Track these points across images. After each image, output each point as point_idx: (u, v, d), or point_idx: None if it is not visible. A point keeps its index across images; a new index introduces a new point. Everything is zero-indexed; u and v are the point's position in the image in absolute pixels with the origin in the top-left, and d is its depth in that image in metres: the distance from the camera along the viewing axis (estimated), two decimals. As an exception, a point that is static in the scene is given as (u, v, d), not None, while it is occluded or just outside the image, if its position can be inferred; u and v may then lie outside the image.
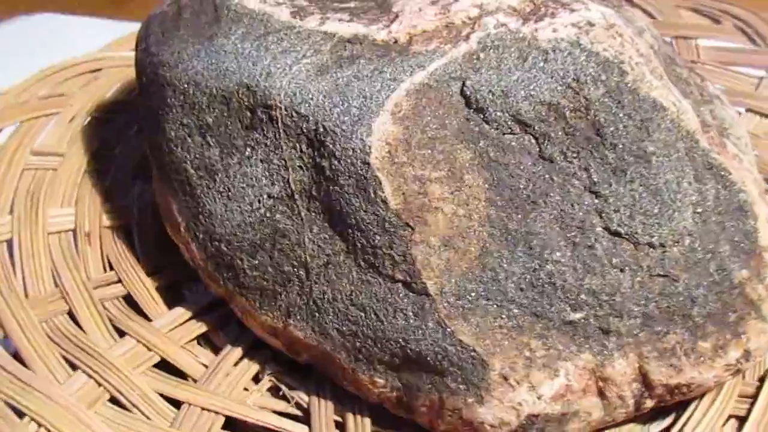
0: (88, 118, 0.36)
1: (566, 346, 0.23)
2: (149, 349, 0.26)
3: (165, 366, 0.27)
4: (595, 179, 0.24)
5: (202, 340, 0.29)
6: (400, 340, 0.24)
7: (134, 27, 0.32)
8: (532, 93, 0.25)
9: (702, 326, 0.23)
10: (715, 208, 0.24)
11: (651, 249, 0.24)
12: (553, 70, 0.25)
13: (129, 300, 0.29)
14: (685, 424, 0.23)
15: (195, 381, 0.26)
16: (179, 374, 0.26)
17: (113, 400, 0.24)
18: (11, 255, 0.29)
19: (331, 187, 0.25)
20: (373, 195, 0.25)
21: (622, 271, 0.23)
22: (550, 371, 0.23)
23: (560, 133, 0.25)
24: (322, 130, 0.26)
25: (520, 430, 0.23)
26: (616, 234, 0.24)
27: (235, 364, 0.27)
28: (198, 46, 0.29)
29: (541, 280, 0.23)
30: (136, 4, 0.52)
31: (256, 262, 0.27)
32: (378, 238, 0.24)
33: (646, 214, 0.24)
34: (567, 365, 0.23)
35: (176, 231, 0.29)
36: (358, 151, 0.25)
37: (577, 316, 0.23)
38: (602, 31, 0.26)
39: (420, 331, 0.24)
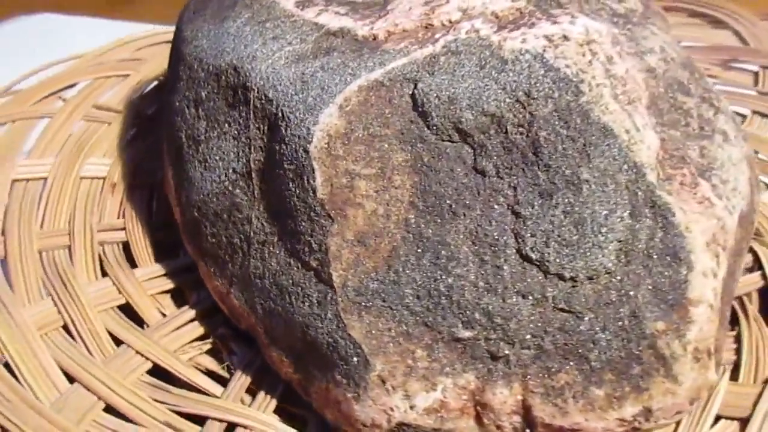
0: (154, 83, 0.40)
1: (451, 363, 0.24)
2: (119, 292, 0.30)
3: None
4: (520, 199, 0.24)
5: (179, 297, 0.32)
6: (303, 325, 0.26)
7: (134, 27, 0.36)
8: (478, 102, 0.25)
9: (598, 372, 0.23)
10: (646, 249, 0.23)
11: (560, 281, 0.23)
12: (506, 82, 0.25)
13: (128, 248, 0.33)
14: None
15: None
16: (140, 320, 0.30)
17: (65, 328, 0.28)
18: (41, 193, 0.34)
19: (276, 170, 0.28)
20: (305, 183, 0.26)
21: (524, 297, 0.23)
22: (427, 383, 0.23)
23: (498, 147, 0.25)
24: (280, 115, 0.28)
25: None
26: (527, 259, 0.24)
27: (192, 321, 0.30)
28: (211, 26, 0.32)
29: (438, 292, 0.24)
30: (136, 4, 0.55)
31: (215, 230, 0.29)
32: (303, 224, 0.26)
33: (562, 244, 0.23)
34: (447, 381, 0.23)
35: (169, 195, 0.33)
36: (302, 139, 0.27)
37: (467, 334, 0.23)
38: (574, 47, 0.26)
39: (318, 320, 0.25)
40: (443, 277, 0.26)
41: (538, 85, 0.27)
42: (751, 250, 0.35)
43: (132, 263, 0.36)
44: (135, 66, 0.44)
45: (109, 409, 0.29)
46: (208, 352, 0.32)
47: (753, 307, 0.33)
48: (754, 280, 0.34)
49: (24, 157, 0.39)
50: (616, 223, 0.26)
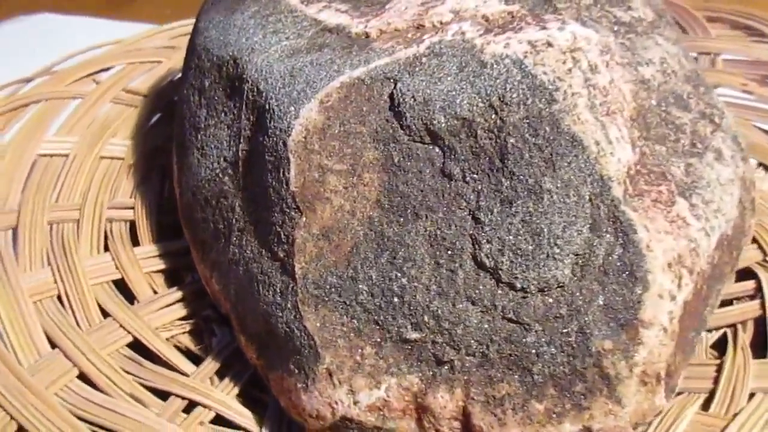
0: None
1: (397, 363, 0.24)
2: (116, 267, 0.31)
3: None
4: (481, 205, 0.24)
5: (175, 277, 0.33)
6: (266, 313, 0.26)
7: (134, 27, 0.36)
8: (451, 105, 0.25)
9: (540, 386, 0.22)
10: (603, 265, 0.23)
11: (511, 290, 0.23)
12: (481, 86, 0.25)
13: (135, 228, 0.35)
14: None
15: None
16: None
17: (58, 297, 0.29)
18: (61, 169, 0.35)
19: (259, 161, 0.28)
20: (281, 175, 0.27)
21: (474, 304, 0.23)
22: (372, 381, 0.24)
23: (467, 151, 0.25)
24: (267, 107, 0.29)
25: (334, 429, 0.24)
26: (481, 266, 0.23)
27: (181, 301, 0.31)
28: (221, 17, 0.33)
29: (392, 291, 0.24)
30: (136, 4, 0.54)
31: (204, 215, 0.30)
32: (276, 215, 0.27)
33: (516, 253, 0.23)
34: (391, 381, 0.24)
35: (173, 180, 0.34)
36: (283, 132, 0.27)
37: (415, 336, 0.23)
38: (555, 54, 0.25)
39: (279, 309, 0.26)
40: (398, 277, 0.26)
41: (512, 90, 0.27)
42: (755, 277, 0.33)
43: (136, 242, 0.37)
44: (168, 53, 0.46)
45: (84, 377, 0.30)
46: (191, 333, 0.33)
47: (745, 336, 0.31)
48: (753, 308, 0.32)
49: (53, 134, 0.41)
50: (573, 236, 0.25)
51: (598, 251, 0.24)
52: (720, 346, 0.31)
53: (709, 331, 0.32)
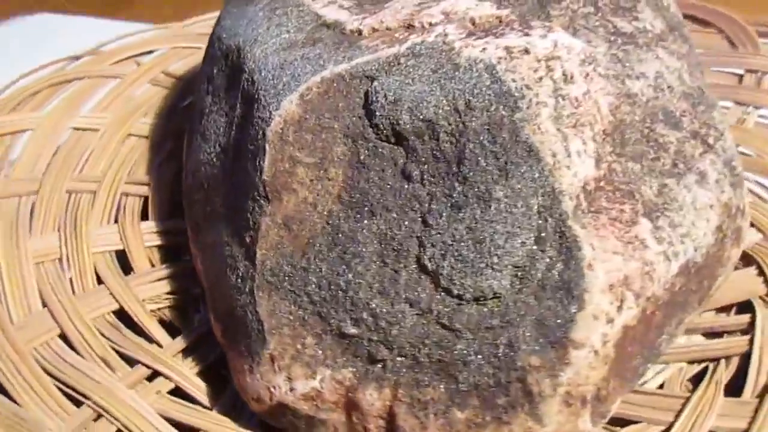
0: (222, 58, 0.43)
1: (334, 356, 0.24)
2: (120, 239, 0.33)
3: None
4: (432, 208, 0.24)
5: (175, 253, 0.35)
6: (229, 296, 0.27)
7: (134, 27, 0.37)
8: (418, 107, 0.25)
9: (464, 394, 0.22)
10: (543, 280, 0.22)
11: (447, 296, 0.23)
12: (450, 89, 0.25)
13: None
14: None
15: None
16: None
17: (60, 261, 0.31)
18: (90, 144, 0.38)
19: (244, 149, 0.29)
20: (257, 163, 0.28)
21: (411, 306, 0.23)
22: (309, 371, 0.24)
23: (428, 154, 0.25)
24: (256, 97, 0.29)
25: (273, 413, 0.25)
26: (423, 269, 0.23)
27: (174, 275, 0.32)
28: (237, 8, 0.34)
29: (337, 285, 0.25)
30: (136, 4, 0.54)
31: (199, 198, 0.32)
32: (249, 202, 0.28)
33: (457, 259, 0.23)
34: (326, 373, 0.24)
35: (183, 162, 0.35)
36: (264, 122, 0.28)
37: (353, 331, 0.24)
38: (529, 61, 0.25)
39: (238, 293, 0.27)
40: (345, 271, 0.26)
41: (479, 95, 0.26)
42: (751, 310, 0.31)
43: (147, 218, 0.39)
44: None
45: (65, 337, 0.32)
46: (178, 308, 0.34)
47: (725, 372, 0.29)
48: (741, 343, 0.30)
49: (88, 110, 0.43)
50: (516, 248, 0.24)
51: (539, 265, 0.24)
52: (700, 380, 0.30)
53: (691, 363, 0.30)
